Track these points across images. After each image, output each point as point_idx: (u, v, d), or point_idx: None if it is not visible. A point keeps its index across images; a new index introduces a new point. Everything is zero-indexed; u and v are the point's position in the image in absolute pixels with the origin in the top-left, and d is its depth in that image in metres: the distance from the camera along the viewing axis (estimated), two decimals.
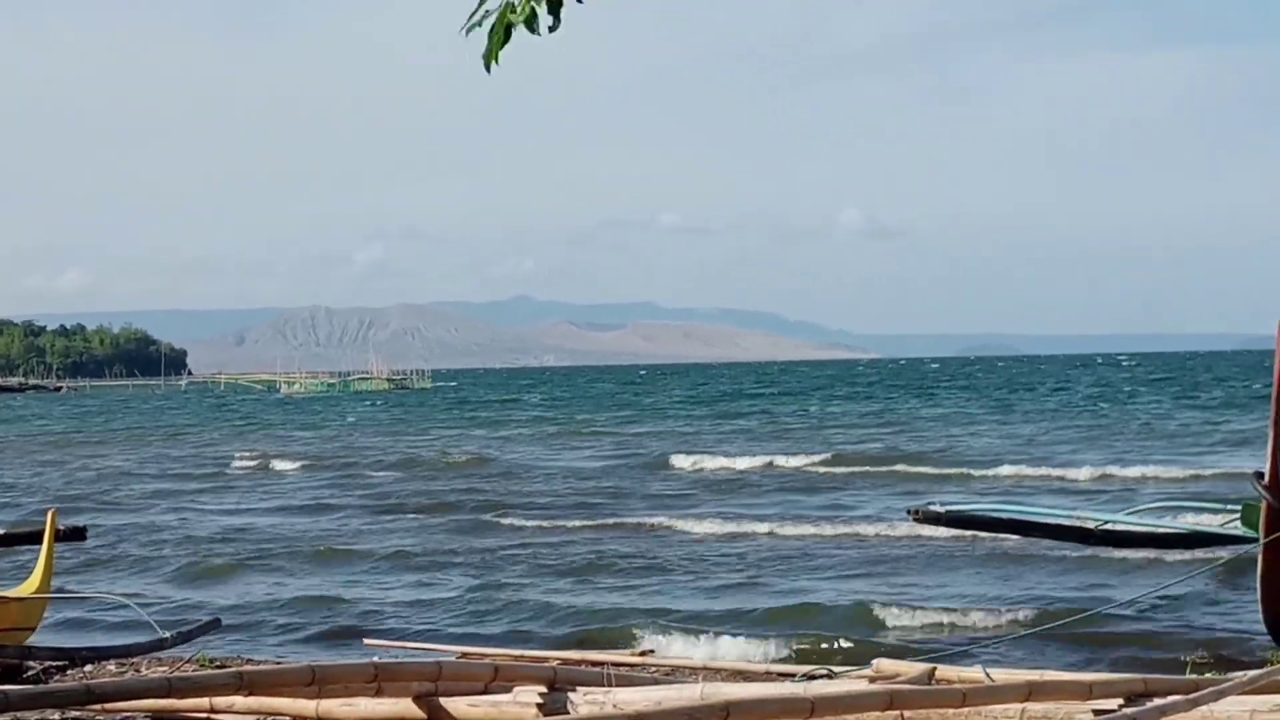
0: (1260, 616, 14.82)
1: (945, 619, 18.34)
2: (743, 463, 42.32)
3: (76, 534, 18.24)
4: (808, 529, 27.25)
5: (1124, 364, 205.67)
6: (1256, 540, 14.63)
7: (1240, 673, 10.42)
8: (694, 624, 18.22)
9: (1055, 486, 33.69)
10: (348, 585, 22.56)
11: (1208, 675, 11.37)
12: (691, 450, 47.19)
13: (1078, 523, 21.53)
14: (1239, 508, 18.32)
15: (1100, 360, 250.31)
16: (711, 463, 42.51)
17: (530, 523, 29.30)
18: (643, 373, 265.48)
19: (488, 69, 6.55)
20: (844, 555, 23.98)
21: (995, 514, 22.56)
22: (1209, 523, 20.38)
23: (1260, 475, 14.27)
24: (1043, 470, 36.91)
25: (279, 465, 46.37)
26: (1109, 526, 21.08)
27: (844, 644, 16.94)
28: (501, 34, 6.45)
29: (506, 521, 29.69)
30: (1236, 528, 17.97)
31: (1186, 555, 20.02)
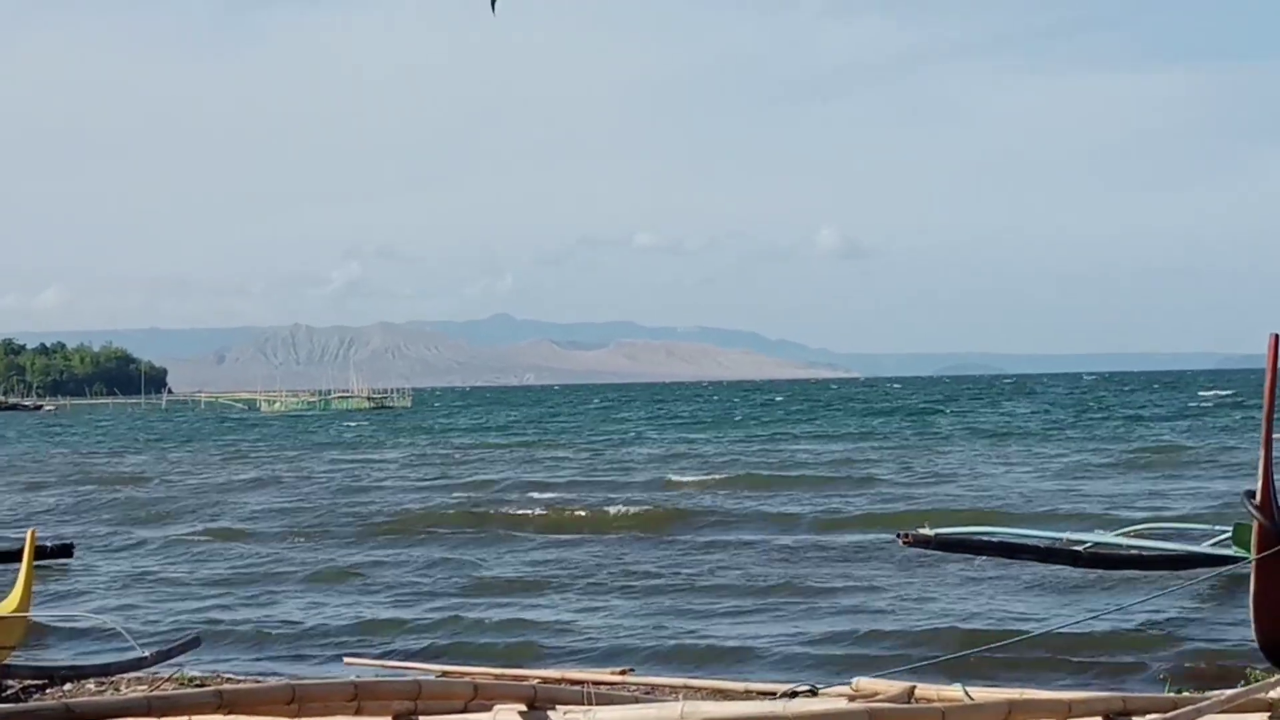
0: (1253, 635, 14.79)
1: (922, 636, 18.36)
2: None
3: (63, 551, 18.25)
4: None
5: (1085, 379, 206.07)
6: (1247, 559, 14.66)
7: (1218, 691, 10.44)
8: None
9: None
10: (326, 605, 22.53)
11: (1186, 694, 11.38)
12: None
13: (1067, 545, 21.61)
14: (1229, 528, 18.39)
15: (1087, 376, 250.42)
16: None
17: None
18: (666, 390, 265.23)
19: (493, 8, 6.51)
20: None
21: (985, 537, 22.61)
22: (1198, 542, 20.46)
23: (1251, 494, 14.31)
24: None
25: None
26: (1098, 549, 21.17)
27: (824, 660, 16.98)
28: None
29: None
30: (1228, 547, 18.01)
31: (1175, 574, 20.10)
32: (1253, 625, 14.69)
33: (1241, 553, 15.64)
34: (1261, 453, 14.01)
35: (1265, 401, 13.77)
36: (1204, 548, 19.60)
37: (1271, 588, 14.35)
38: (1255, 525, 14.28)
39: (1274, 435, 13.91)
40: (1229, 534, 18.52)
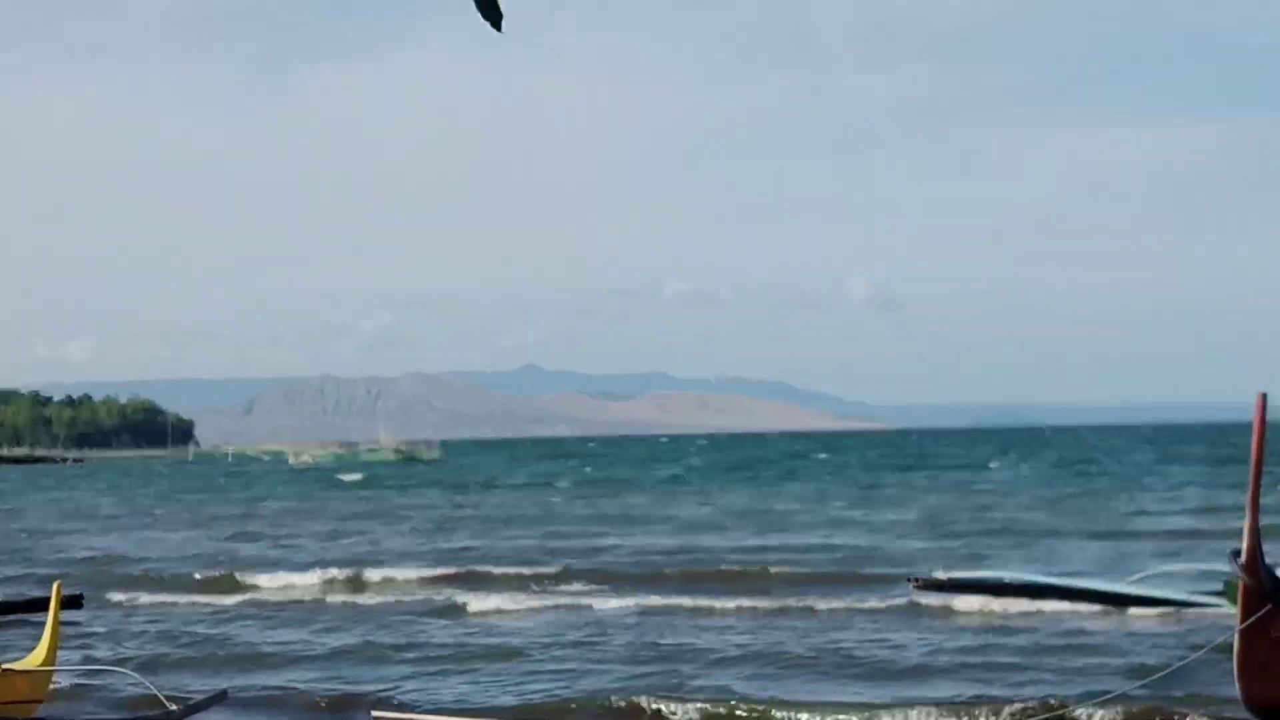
0: (1238, 693, 14.69)
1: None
2: None
3: (73, 602, 18.15)
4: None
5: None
6: (1236, 612, 14.62)
7: None
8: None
9: None
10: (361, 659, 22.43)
11: None
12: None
13: (1096, 589, 21.63)
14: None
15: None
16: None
17: None
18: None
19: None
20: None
21: (1001, 580, 22.52)
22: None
23: (1237, 553, 14.24)
24: None
25: None
26: (1121, 590, 21.22)
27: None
28: None
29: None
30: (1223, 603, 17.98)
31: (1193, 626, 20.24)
32: (1237, 684, 14.61)
33: (1233, 607, 15.57)
34: (1248, 511, 13.97)
35: (1252, 460, 13.70)
36: (1210, 599, 19.68)
37: (1256, 647, 14.28)
38: (1240, 584, 14.24)
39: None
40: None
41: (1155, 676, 16.35)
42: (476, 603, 27.93)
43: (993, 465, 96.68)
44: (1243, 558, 14.14)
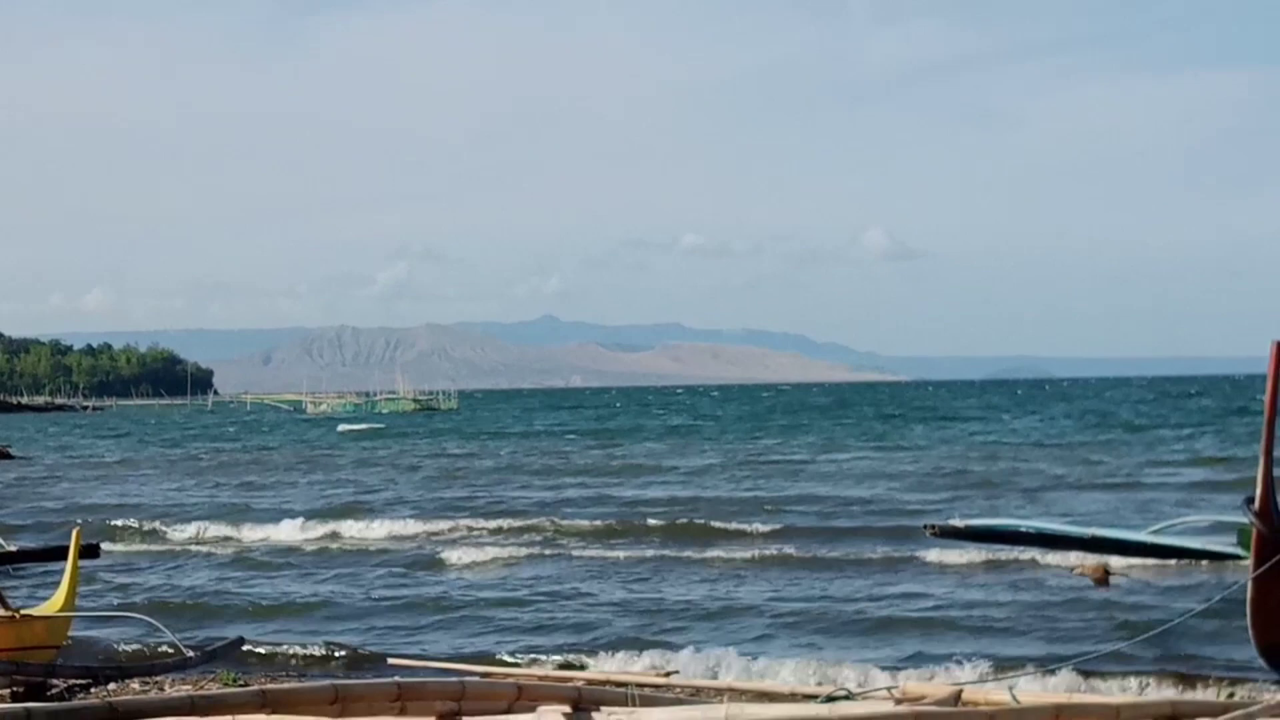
0: (1251, 639, 14.74)
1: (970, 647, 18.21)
2: None
3: (90, 551, 18.23)
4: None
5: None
6: (1247, 559, 14.67)
7: (1271, 696, 10.33)
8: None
9: None
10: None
11: (1237, 698, 11.27)
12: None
13: (1117, 538, 21.66)
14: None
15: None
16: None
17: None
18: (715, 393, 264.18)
19: None
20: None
21: (1019, 528, 22.49)
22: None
23: (1250, 500, 14.29)
24: None
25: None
26: (1141, 539, 21.26)
27: (866, 665, 16.87)
28: None
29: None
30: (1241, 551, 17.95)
31: (1210, 577, 20.20)
32: (1250, 630, 14.66)
33: (1245, 553, 15.61)
34: (1261, 459, 14.03)
35: (1266, 408, 13.75)
36: (1231, 547, 19.65)
37: (1269, 593, 14.34)
38: (1254, 531, 14.30)
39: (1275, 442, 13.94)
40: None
41: (1143, 635, 16.31)
42: (459, 556, 27.52)
43: (1006, 417, 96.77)
44: (1256, 504, 14.23)
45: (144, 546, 30.98)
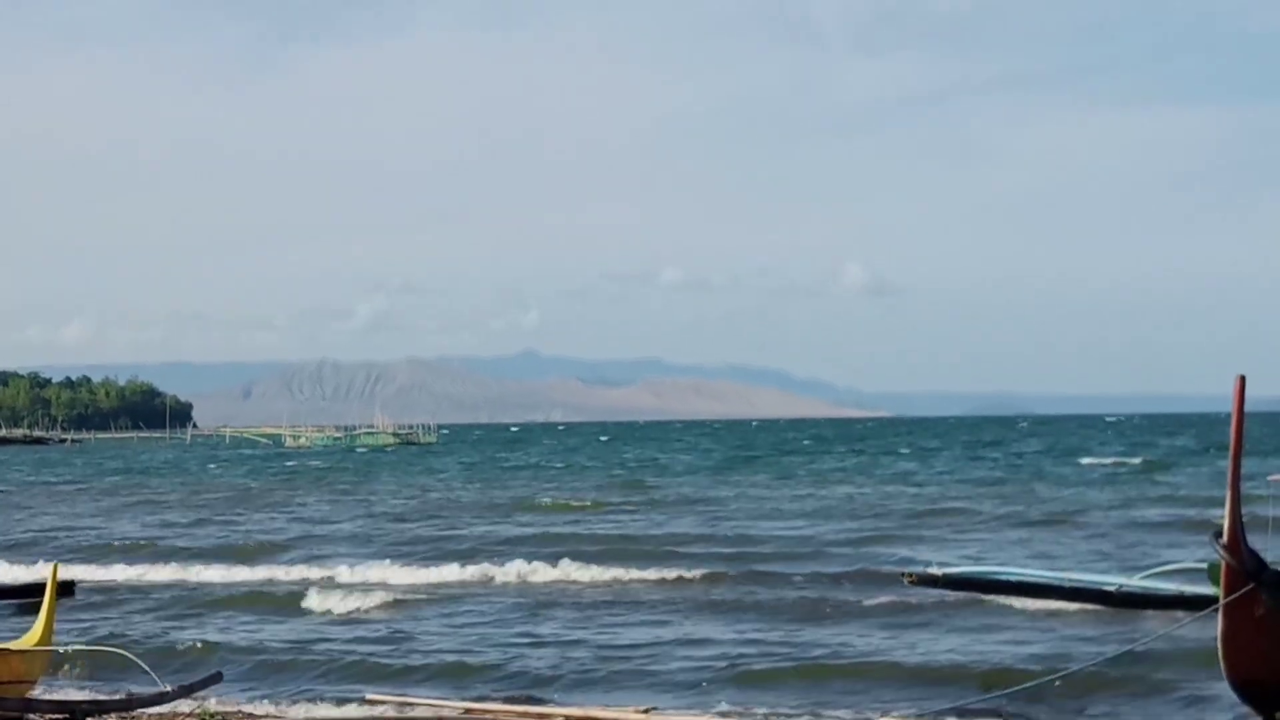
0: (1223, 673, 14.76)
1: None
2: None
3: (66, 589, 18.17)
4: None
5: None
6: (1217, 598, 14.69)
7: None
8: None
9: None
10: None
11: None
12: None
13: (1094, 586, 21.62)
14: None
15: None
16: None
17: None
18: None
19: None
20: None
21: (998, 576, 22.46)
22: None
23: (1219, 534, 14.32)
24: None
25: None
26: (1126, 589, 21.23)
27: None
28: None
29: None
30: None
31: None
32: (1221, 665, 14.71)
33: (1215, 591, 15.65)
34: (1228, 493, 14.09)
35: (1232, 442, 13.82)
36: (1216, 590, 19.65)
37: (1240, 627, 14.38)
38: (1223, 565, 14.32)
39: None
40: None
41: (1011, 690, 16.38)
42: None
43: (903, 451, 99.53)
44: (1224, 538, 14.25)
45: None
